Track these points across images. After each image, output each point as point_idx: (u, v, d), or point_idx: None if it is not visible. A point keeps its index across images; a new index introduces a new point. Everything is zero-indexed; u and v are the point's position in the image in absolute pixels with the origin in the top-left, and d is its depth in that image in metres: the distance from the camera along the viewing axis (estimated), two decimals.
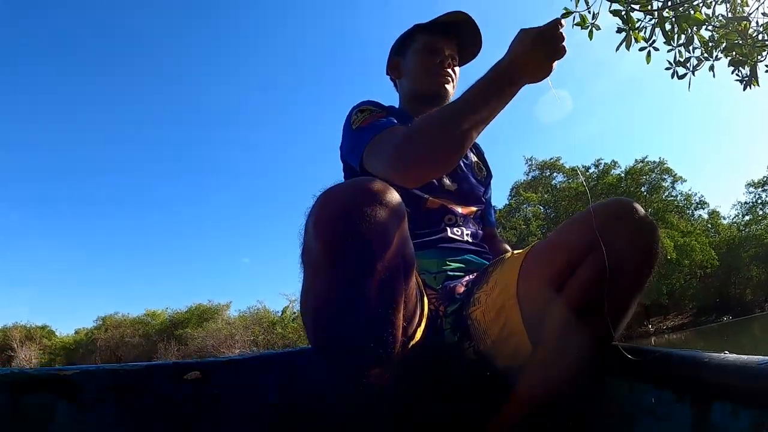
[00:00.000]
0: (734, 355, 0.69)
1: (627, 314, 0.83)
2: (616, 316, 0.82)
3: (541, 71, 0.98)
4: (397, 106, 1.41)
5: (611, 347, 0.87)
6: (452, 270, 1.12)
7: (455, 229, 1.18)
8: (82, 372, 0.71)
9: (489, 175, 1.45)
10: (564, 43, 0.99)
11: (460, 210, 1.22)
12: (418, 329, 0.90)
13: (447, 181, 1.25)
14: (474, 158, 1.40)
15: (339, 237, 0.69)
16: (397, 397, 0.94)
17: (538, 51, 0.96)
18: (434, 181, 1.22)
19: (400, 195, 1.21)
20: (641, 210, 0.81)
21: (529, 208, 23.62)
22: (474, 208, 1.28)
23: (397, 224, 0.74)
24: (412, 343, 0.88)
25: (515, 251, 1.05)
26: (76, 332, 34.51)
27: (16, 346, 32.34)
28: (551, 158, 24.54)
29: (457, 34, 1.34)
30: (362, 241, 0.69)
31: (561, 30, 0.98)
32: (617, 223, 0.80)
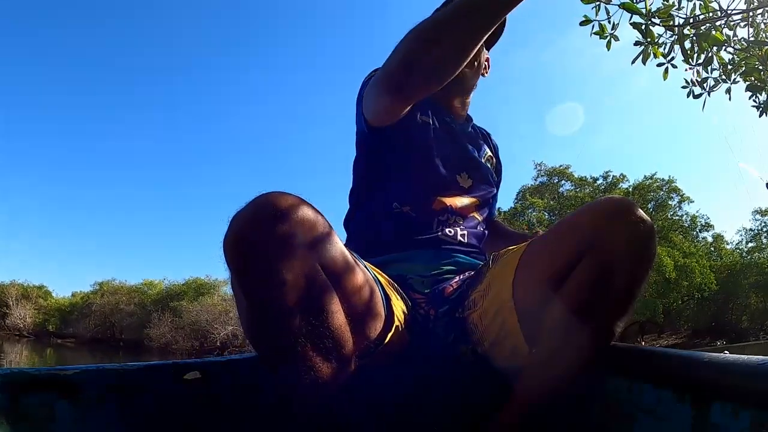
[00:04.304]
0: (734, 355, 0.69)
1: (625, 314, 0.83)
2: (614, 316, 0.82)
3: None
4: None
5: (610, 347, 0.87)
6: (442, 273, 1.10)
7: (448, 230, 1.15)
8: (82, 371, 0.71)
9: (499, 171, 1.41)
10: None
11: (461, 208, 1.19)
12: (389, 333, 0.89)
13: (463, 176, 1.22)
14: (489, 152, 1.36)
15: (243, 259, 0.69)
16: (390, 398, 0.94)
17: None
18: (448, 178, 1.19)
19: (406, 194, 1.17)
20: (638, 209, 0.80)
21: (534, 213, 23.52)
22: (475, 200, 1.23)
23: (308, 232, 0.72)
24: (387, 340, 0.88)
25: (510, 247, 1.02)
26: (73, 295, 34.86)
27: (11, 303, 32.74)
28: (561, 165, 24.41)
29: None
30: (266, 258, 0.68)
31: None
32: (614, 223, 0.79)
